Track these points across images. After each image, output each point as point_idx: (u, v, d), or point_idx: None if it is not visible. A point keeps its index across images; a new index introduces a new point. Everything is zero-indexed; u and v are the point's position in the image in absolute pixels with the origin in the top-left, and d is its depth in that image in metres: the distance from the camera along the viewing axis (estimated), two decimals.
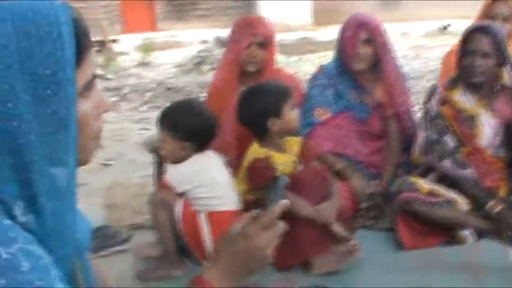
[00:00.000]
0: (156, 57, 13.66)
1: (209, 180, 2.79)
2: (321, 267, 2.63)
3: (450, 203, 2.91)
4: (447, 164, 3.05)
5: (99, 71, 11.88)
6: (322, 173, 2.86)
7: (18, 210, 0.95)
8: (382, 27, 3.36)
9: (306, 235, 2.64)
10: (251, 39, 3.31)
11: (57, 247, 1.01)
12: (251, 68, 3.36)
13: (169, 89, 9.41)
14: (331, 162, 3.26)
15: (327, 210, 2.69)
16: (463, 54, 3.04)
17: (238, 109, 2.97)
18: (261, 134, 2.89)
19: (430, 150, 3.11)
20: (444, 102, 3.10)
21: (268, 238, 1.25)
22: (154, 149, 2.97)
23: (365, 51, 3.31)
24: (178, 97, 8.75)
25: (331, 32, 14.35)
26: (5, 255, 0.87)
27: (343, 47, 3.38)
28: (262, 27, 3.35)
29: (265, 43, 3.34)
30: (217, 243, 1.31)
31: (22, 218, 0.95)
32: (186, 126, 2.76)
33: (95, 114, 1.08)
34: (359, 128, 3.44)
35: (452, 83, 3.13)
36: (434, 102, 3.12)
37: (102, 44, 15.70)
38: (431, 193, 2.91)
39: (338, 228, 2.70)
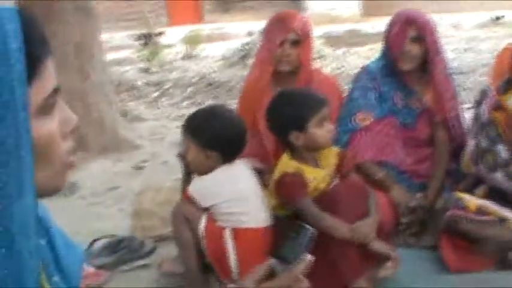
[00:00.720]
0: (201, 50, 13.56)
1: (236, 194, 2.57)
2: None
3: (502, 221, 2.62)
4: (499, 176, 2.76)
5: (143, 65, 11.83)
6: (360, 187, 2.60)
7: None
8: (433, 24, 3.07)
9: (344, 258, 2.39)
10: (284, 36, 3.06)
11: None
12: (284, 68, 3.11)
13: (210, 84, 9.24)
14: (372, 171, 3.01)
15: (365, 228, 2.42)
16: None
17: (265, 117, 2.75)
18: (290, 146, 2.65)
19: (480, 160, 2.83)
20: (497, 107, 2.80)
21: None
22: (183, 155, 2.77)
23: (413, 49, 3.02)
24: (220, 92, 8.61)
25: (380, 24, 13.98)
26: None
27: (390, 45, 3.11)
28: (296, 23, 3.09)
29: (300, 41, 3.09)
30: None
31: None
32: (212, 134, 2.55)
33: (62, 133, 0.92)
34: (404, 134, 3.16)
35: (506, 86, 2.83)
36: (485, 107, 2.84)
37: (147, 37, 15.69)
38: (480, 210, 2.63)
39: (378, 245, 2.44)
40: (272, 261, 1.11)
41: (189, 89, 9.04)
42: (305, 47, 3.14)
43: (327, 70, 10.00)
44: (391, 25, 3.09)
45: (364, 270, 2.40)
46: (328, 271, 2.39)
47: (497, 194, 2.78)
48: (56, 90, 0.90)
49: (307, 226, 1.15)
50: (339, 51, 12.86)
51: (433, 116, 3.14)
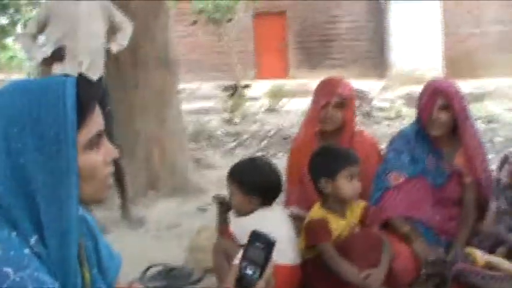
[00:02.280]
0: (283, 104, 13.96)
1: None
2: None
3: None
4: None
5: (226, 115, 12.37)
6: (375, 238, 2.91)
7: (33, 242, 1.21)
8: (460, 93, 3.37)
9: None
10: (329, 99, 3.44)
11: (63, 275, 1.25)
12: (328, 127, 3.48)
13: (284, 138, 9.64)
14: (399, 226, 3.29)
15: (372, 277, 2.72)
16: None
17: (307, 165, 3.12)
18: (321, 194, 3.01)
19: (500, 221, 3.06)
20: None
21: None
22: (219, 200, 3.18)
23: (441, 117, 3.31)
24: None
25: (462, 85, 14.01)
26: (15, 278, 1.13)
27: (421, 113, 3.42)
28: (340, 88, 3.47)
29: (343, 104, 3.45)
30: None
31: (36, 249, 1.21)
32: (254, 182, 2.96)
33: (105, 162, 1.34)
34: (434, 193, 3.42)
35: None
36: (505, 172, 3.07)
37: (234, 88, 16.33)
38: (488, 266, 2.86)
39: None
40: (243, 264, 1.43)
41: (264, 142, 9.48)
42: (348, 110, 3.50)
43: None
44: (422, 94, 3.40)
45: None
46: None
47: None
48: (99, 133, 1.32)
49: (271, 238, 1.46)
50: None
51: (462, 178, 3.40)
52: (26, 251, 1.19)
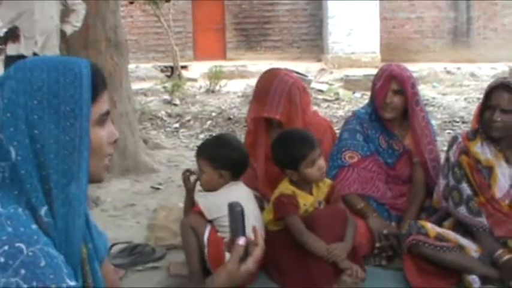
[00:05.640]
0: (222, 85, 14.06)
1: None
2: None
3: (459, 248, 3.07)
4: (463, 210, 3.20)
5: (166, 97, 12.37)
6: (341, 214, 3.09)
7: (43, 212, 1.28)
8: (413, 79, 3.58)
9: (317, 269, 2.89)
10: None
11: (67, 247, 1.31)
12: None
13: (229, 119, 9.77)
14: (354, 202, 3.48)
15: (337, 251, 2.90)
16: (484, 108, 3.21)
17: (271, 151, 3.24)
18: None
19: (448, 196, 3.28)
20: (463, 152, 3.26)
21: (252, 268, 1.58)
22: (186, 179, 3.29)
23: (395, 101, 3.51)
24: (237, 127, 9.13)
25: None
26: (28, 253, 1.19)
27: (375, 96, 3.61)
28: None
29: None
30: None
31: (45, 219, 1.28)
32: (224, 157, 3.07)
33: (108, 141, 1.44)
34: (386, 172, 3.64)
35: (473, 135, 3.29)
36: (455, 151, 3.28)
37: (172, 69, 16.24)
38: (439, 237, 3.08)
39: (346, 265, 2.90)
40: (242, 239, 1.56)
41: (208, 122, 9.57)
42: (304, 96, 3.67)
43: (343, 112, 10.50)
44: (377, 79, 3.60)
45: (334, 281, 2.89)
46: (303, 275, 2.91)
47: (461, 226, 3.23)
48: (107, 112, 1.43)
49: (237, 203, 1.62)
50: (357, 95, 13.26)
51: (411, 158, 3.63)
52: (34, 226, 1.25)
